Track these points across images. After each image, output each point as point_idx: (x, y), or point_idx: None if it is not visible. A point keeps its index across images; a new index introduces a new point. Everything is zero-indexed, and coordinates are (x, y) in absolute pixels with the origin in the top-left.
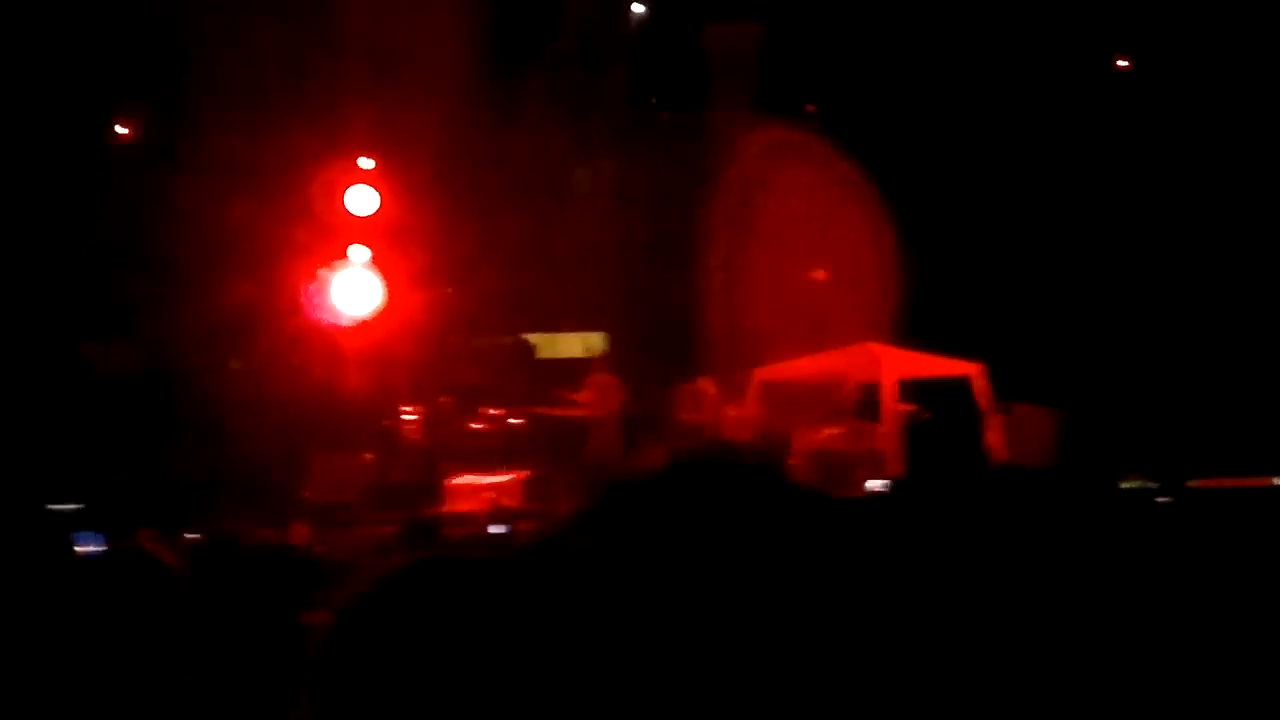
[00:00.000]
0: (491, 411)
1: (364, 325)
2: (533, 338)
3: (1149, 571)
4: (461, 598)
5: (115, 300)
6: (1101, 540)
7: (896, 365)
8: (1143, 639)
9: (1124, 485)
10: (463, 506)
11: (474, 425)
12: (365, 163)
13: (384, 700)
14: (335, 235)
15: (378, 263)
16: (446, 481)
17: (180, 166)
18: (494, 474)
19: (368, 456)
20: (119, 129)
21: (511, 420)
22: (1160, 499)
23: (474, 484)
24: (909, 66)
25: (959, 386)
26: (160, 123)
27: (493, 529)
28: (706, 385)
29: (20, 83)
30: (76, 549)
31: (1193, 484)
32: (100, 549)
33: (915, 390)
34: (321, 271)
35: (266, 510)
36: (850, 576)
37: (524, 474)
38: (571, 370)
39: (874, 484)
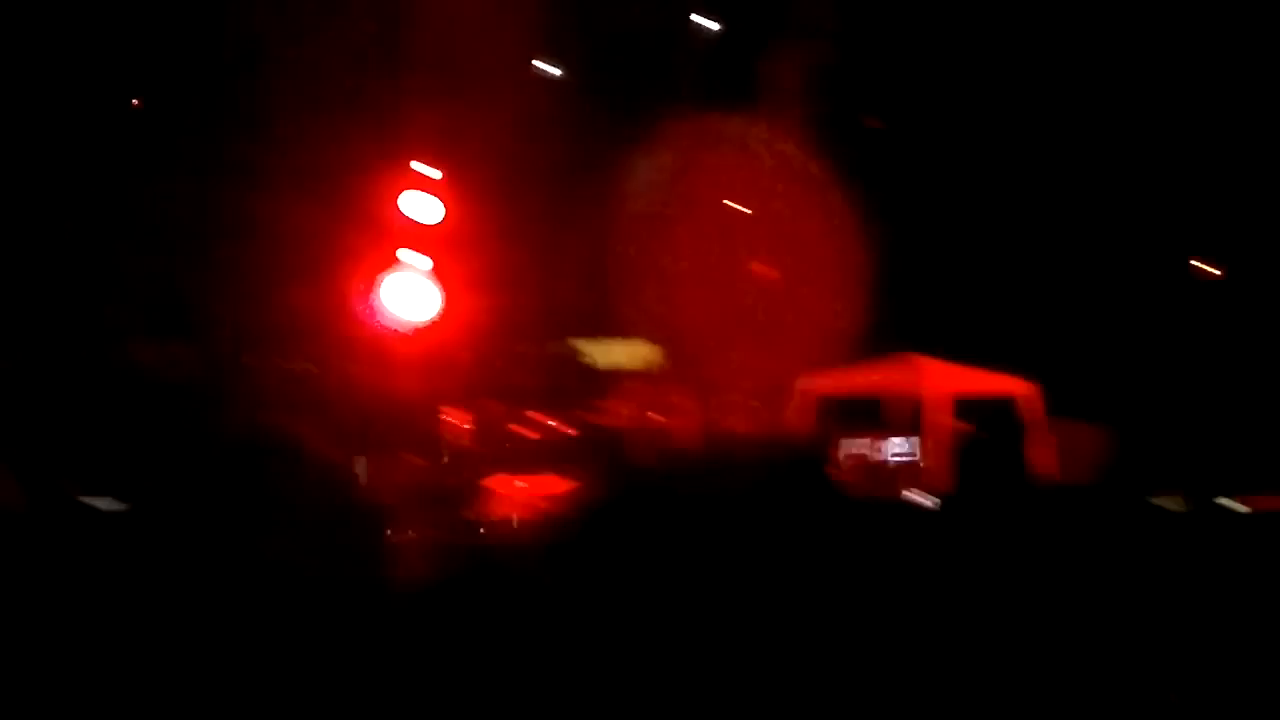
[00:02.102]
0: (539, 418)
1: (420, 331)
2: (584, 345)
3: (1179, 587)
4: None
5: (174, 300)
6: (1133, 556)
7: (941, 379)
8: (1166, 651)
9: (1159, 502)
10: (507, 511)
11: (522, 431)
12: (431, 171)
13: None
14: (396, 242)
15: (437, 270)
16: (492, 486)
17: (245, 170)
18: (540, 479)
19: (416, 460)
20: (184, 130)
21: (559, 427)
22: (1194, 517)
23: (520, 489)
24: (961, 75)
25: (1004, 403)
26: (226, 126)
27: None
28: (746, 396)
29: (86, 83)
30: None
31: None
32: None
33: (961, 406)
34: (380, 277)
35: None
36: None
37: (569, 480)
38: (620, 379)
39: (913, 494)
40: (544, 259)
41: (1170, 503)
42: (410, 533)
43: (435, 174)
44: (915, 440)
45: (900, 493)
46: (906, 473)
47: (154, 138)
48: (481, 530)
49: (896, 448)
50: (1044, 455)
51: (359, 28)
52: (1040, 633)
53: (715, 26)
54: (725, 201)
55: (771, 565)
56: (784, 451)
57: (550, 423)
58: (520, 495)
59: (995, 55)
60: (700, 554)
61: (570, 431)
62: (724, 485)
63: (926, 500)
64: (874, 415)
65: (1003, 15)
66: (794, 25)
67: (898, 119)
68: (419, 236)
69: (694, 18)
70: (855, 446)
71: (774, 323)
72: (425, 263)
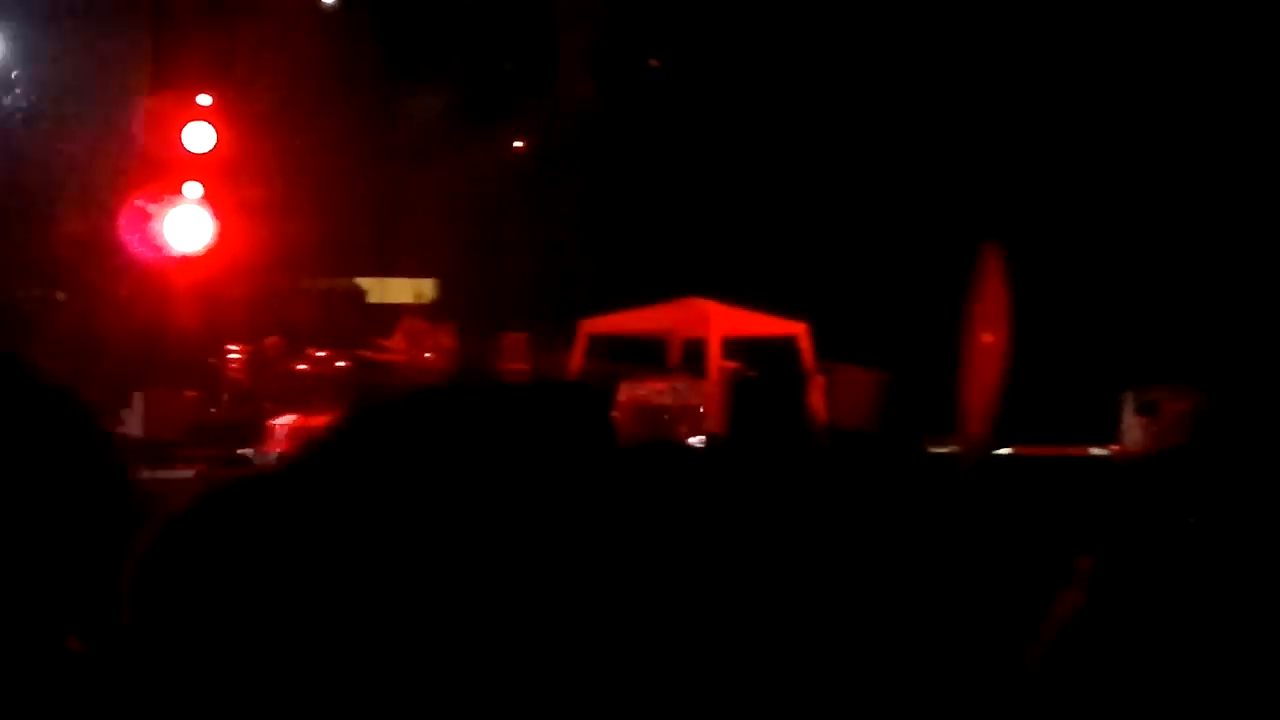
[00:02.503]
0: (318, 354)
1: (194, 261)
2: (364, 282)
3: (951, 535)
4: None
5: None
6: (910, 504)
7: (724, 322)
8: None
9: (936, 450)
10: (282, 447)
11: (300, 367)
12: (203, 99)
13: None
14: (169, 170)
15: (209, 198)
16: (269, 422)
17: (12, 94)
18: (316, 416)
19: (192, 394)
20: None
21: (337, 364)
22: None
23: (295, 425)
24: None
25: (785, 346)
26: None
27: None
28: (517, 336)
29: None
30: None
31: (1003, 450)
32: None
33: (742, 348)
34: (151, 206)
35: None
36: (665, 524)
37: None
38: (398, 316)
39: (695, 440)
40: (323, 191)
41: (946, 449)
42: (187, 469)
43: (206, 100)
44: (699, 384)
45: (681, 438)
46: (689, 416)
47: None
48: (253, 465)
49: (678, 390)
50: (817, 399)
51: None
52: (811, 585)
53: None
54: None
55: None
56: (562, 391)
57: (325, 358)
58: (293, 430)
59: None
60: (452, 490)
61: (344, 367)
62: (485, 421)
63: (699, 441)
64: (657, 358)
65: None
66: None
67: (680, 61)
68: (191, 164)
69: None
70: (637, 389)
71: (557, 265)
72: (197, 190)
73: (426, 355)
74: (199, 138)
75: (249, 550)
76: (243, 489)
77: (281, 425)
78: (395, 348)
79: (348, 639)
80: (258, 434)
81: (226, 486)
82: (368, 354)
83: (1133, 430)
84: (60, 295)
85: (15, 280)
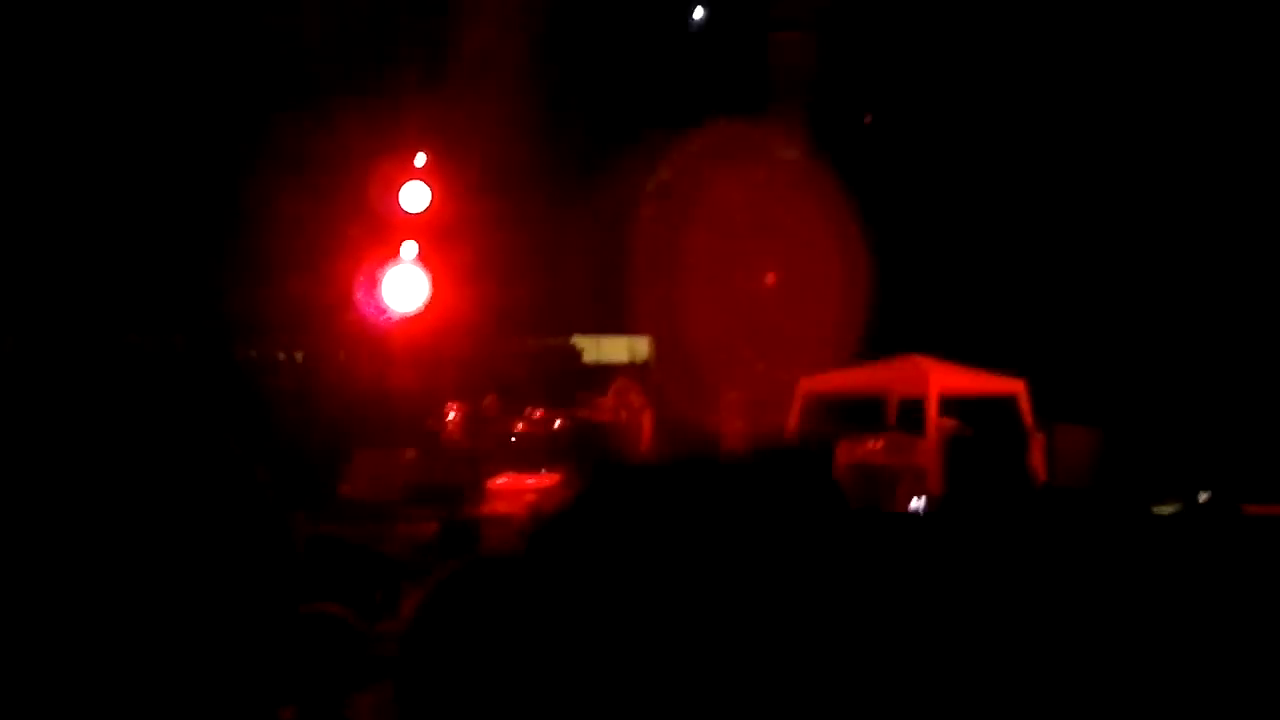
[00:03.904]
0: (535, 413)
1: (412, 321)
2: (580, 341)
3: (1180, 594)
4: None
5: (171, 291)
6: (1134, 564)
7: (942, 379)
8: (1166, 662)
9: (1160, 509)
10: (501, 508)
11: (517, 426)
12: (419, 159)
13: (462, 693)
14: (388, 231)
15: (426, 259)
16: (487, 482)
17: (242, 160)
18: (535, 475)
19: (410, 454)
20: (193, 126)
21: (554, 422)
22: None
23: (514, 485)
24: (955, 74)
25: (1004, 404)
26: (225, 119)
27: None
28: (734, 395)
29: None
30: None
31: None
32: None
33: (960, 407)
34: (373, 267)
35: (309, 504)
36: (886, 592)
37: (560, 475)
38: (612, 375)
39: (918, 503)
40: (540, 252)
41: (1168, 510)
42: (404, 527)
43: (421, 160)
44: (917, 442)
45: (906, 501)
46: (908, 476)
47: (166, 134)
48: (475, 528)
49: (897, 449)
50: (1037, 457)
51: (354, 18)
52: (1037, 641)
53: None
54: (724, 202)
55: (766, 574)
56: (787, 455)
57: (544, 416)
58: (516, 491)
59: (993, 55)
60: (689, 560)
61: (562, 426)
62: (720, 486)
63: (924, 507)
64: (876, 417)
65: (1001, 14)
66: (788, 23)
67: (893, 118)
68: (408, 224)
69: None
70: (856, 449)
71: (775, 323)
72: (413, 250)
73: (624, 414)
74: (415, 198)
75: (511, 619)
76: (500, 561)
77: (500, 485)
78: (606, 406)
79: (606, 705)
80: (477, 493)
81: (485, 559)
82: (583, 413)
83: None
84: (281, 355)
85: (242, 340)
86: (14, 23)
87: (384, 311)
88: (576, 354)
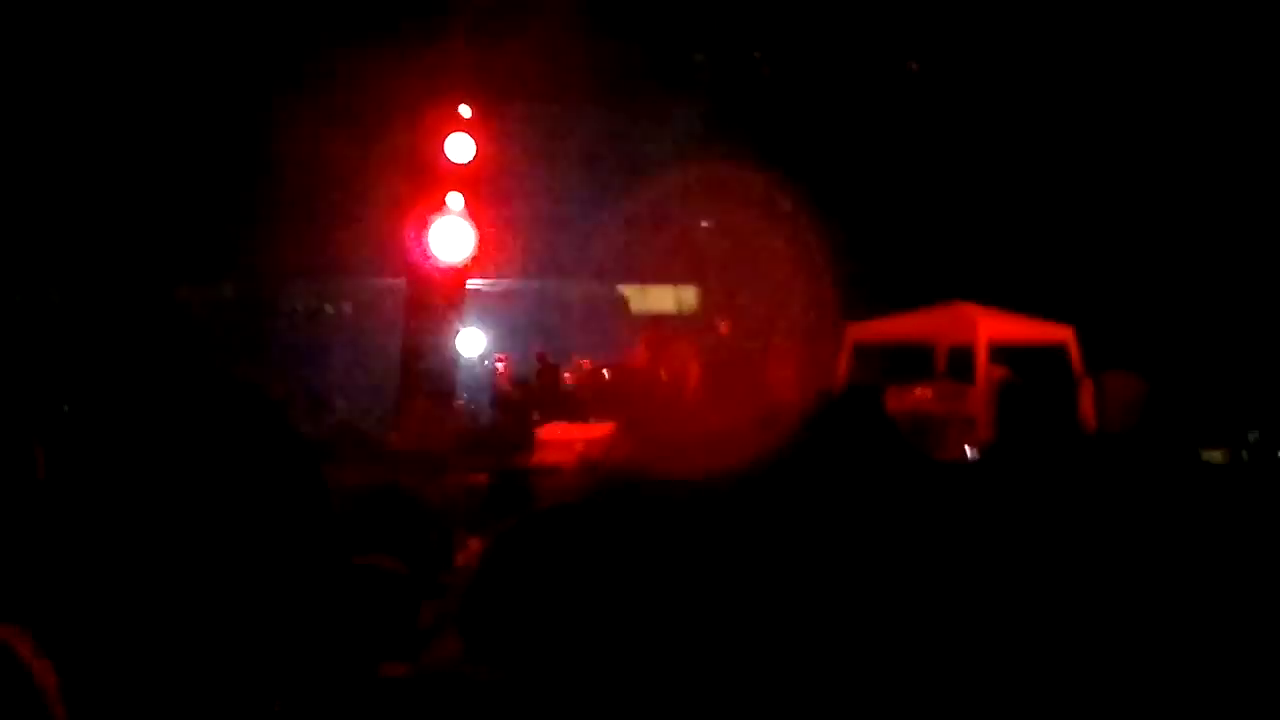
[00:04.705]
0: (584, 364)
1: (458, 272)
2: (626, 290)
3: (1224, 541)
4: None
5: (219, 242)
6: (1182, 509)
7: (991, 327)
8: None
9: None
10: (551, 457)
11: (566, 376)
12: (464, 110)
13: (524, 630)
14: (435, 182)
15: (472, 211)
16: (537, 431)
17: (284, 113)
18: (583, 426)
19: (460, 404)
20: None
21: (602, 372)
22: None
23: (564, 435)
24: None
25: (1053, 351)
26: (267, 74)
27: None
28: (784, 343)
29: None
30: None
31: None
32: None
33: (1009, 354)
34: (419, 217)
35: (360, 455)
36: (944, 534)
37: (608, 425)
38: (658, 325)
39: (969, 451)
40: (585, 202)
41: (1217, 455)
42: (454, 477)
43: (466, 111)
44: (967, 390)
45: (952, 445)
46: (957, 424)
47: (211, 85)
48: (527, 477)
49: (946, 397)
50: (1086, 404)
51: None
52: (1089, 586)
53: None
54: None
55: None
56: (841, 401)
57: (591, 366)
58: (565, 441)
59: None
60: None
61: (604, 377)
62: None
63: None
64: (923, 364)
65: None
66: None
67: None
68: (453, 175)
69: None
70: (905, 397)
71: (818, 271)
72: (459, 202)
73: (662, 365)
74: (460, 148)
75: (572, 568)
76: (561, 511)
77: (550, 435)
78: (638, 357)
79: (666, 647)
80: (527, 443)
81: (544, 512)
82: (625, 364)
83: None
84: (329, 308)
85: (287, 291)
86: None
87: (434, 261)
88: (624, 302)
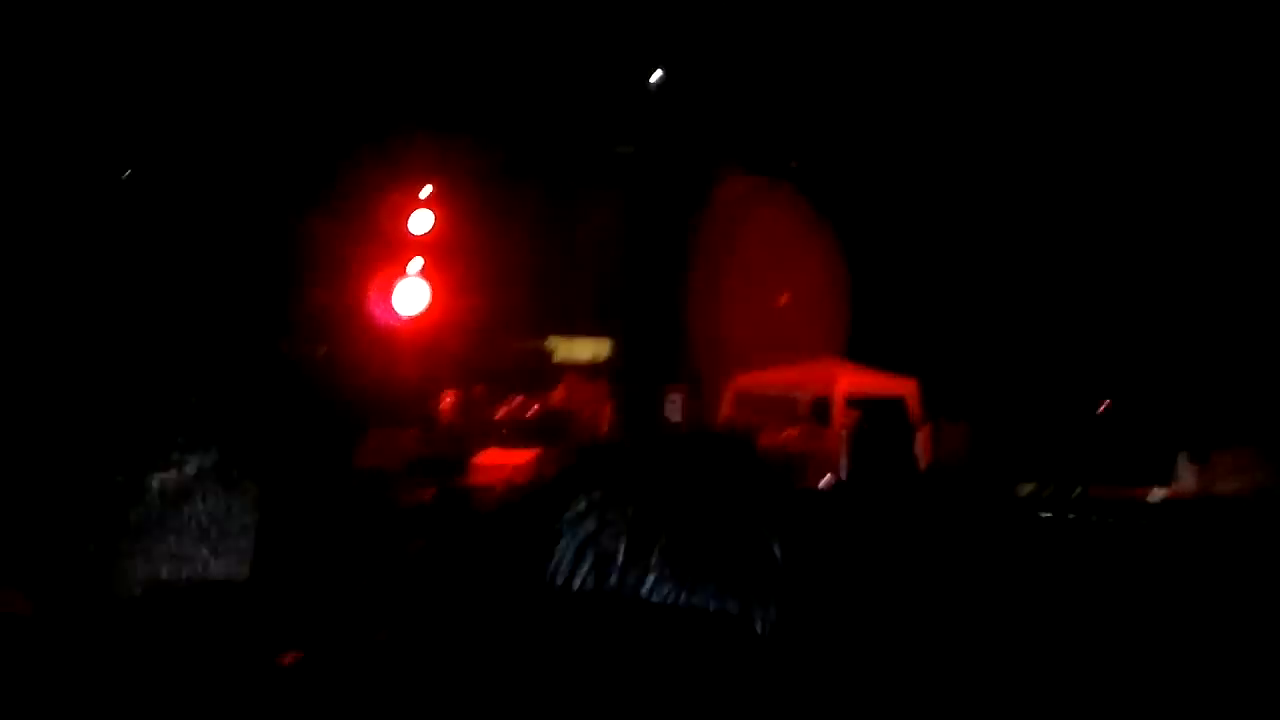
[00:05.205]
0: (515, 400)
1: (415, 323)
2: (555, 341)
3: (1029, 552)
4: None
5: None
6: (997, 530)
7: (848, 380)
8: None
9: (1021, 490)
10: (485, 479)
11: (500, 410)
12: (424, 190)
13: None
14: (398, 250)
15: (428, 273)
16: (474, 457)
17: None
18: (513, 453)
19: (413, 432)
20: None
21: (531, 408)
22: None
23: (497, 460)
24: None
25: (896, 401)
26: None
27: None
28: (680, 391)
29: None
30: None
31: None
32: None
33: (862, 402)
34: (385, 279)
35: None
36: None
37: (534, 453)
38: (573, 371)
39: (825, 481)
40: (520, 268)
41: (1029, 489)
42: (409, 496)
43: (426, 190)
44: (824, 431)
45: (811, 477)
46: (817, 460)
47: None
48: (466, 495)
49: (809, 438)
50: (924, 444)
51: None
52: (923, 592)
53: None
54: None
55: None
56: (718, 440)
57: (522, 403)
58: (498, 465)
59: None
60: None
61: (536, 412)
62: (670, 464)
63: (827, 487)
64: (793, 410)
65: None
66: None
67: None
68: (414, 244)
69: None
70: (776, 436)
71: (714, 331)
72: (418, 265)
73: (576, 404)
74: (420, 222)
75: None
76: (483, 522)
77: (485, 460)
78: (557, 398)
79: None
80: (466, 467)
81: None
82: (550, 402)
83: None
84: (319, 351)
85: (285, 336)
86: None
87: (393, 315)
88: (549, 352)
